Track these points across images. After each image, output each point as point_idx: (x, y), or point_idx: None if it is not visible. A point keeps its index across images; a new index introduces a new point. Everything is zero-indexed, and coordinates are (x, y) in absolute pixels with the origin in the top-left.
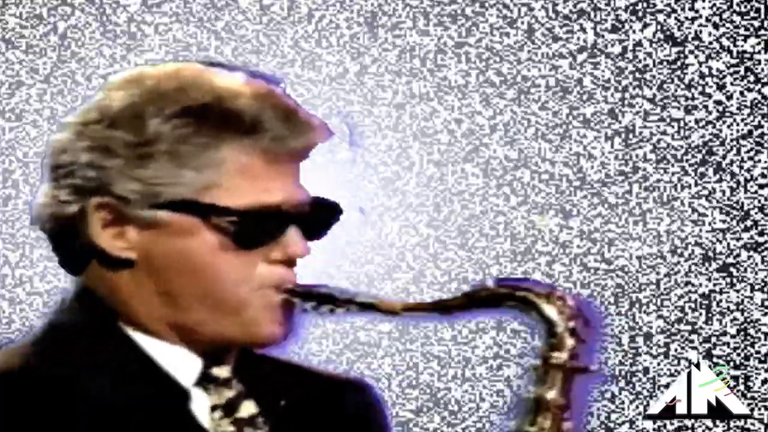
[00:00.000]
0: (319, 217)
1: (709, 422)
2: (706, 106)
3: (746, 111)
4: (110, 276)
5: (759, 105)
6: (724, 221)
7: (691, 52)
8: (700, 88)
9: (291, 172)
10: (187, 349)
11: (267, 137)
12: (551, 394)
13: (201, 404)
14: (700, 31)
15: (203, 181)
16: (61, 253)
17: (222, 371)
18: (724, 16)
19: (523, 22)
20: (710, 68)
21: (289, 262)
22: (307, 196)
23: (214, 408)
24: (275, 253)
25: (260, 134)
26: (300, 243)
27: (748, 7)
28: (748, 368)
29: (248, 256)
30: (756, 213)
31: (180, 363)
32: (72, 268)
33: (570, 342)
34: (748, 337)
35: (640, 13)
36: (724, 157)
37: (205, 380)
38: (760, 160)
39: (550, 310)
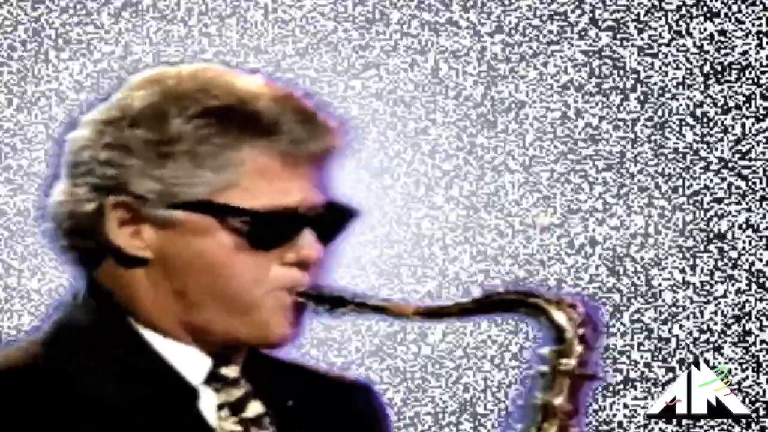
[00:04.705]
0: (334, 220)
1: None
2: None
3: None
4: (125, 274)
5: None
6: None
7: None
8: None
9: (309, 175)
10: (196, 348)
11: (285, 140)
12: (558, 401)
13: (209, 403)
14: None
15: (221, 182)
16: (75, 250)
17: (230, 371)
18: None
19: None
20: None
21: (303, 265)
22: (323, 200)
23: (220, 407)
24: (289, 255)
25: (279, 136)
26: (314, 246)
27: None
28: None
29: (263, 257)
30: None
31: (189, 361)
32: (85, 265)
33: (579, 349)
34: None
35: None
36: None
37: (214, 379)
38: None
39: (560, 317)
